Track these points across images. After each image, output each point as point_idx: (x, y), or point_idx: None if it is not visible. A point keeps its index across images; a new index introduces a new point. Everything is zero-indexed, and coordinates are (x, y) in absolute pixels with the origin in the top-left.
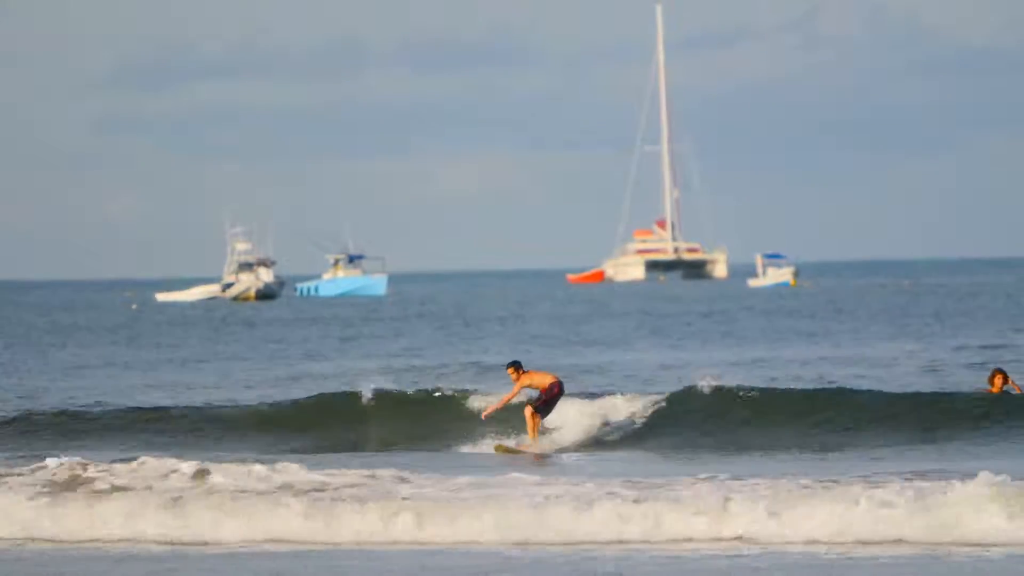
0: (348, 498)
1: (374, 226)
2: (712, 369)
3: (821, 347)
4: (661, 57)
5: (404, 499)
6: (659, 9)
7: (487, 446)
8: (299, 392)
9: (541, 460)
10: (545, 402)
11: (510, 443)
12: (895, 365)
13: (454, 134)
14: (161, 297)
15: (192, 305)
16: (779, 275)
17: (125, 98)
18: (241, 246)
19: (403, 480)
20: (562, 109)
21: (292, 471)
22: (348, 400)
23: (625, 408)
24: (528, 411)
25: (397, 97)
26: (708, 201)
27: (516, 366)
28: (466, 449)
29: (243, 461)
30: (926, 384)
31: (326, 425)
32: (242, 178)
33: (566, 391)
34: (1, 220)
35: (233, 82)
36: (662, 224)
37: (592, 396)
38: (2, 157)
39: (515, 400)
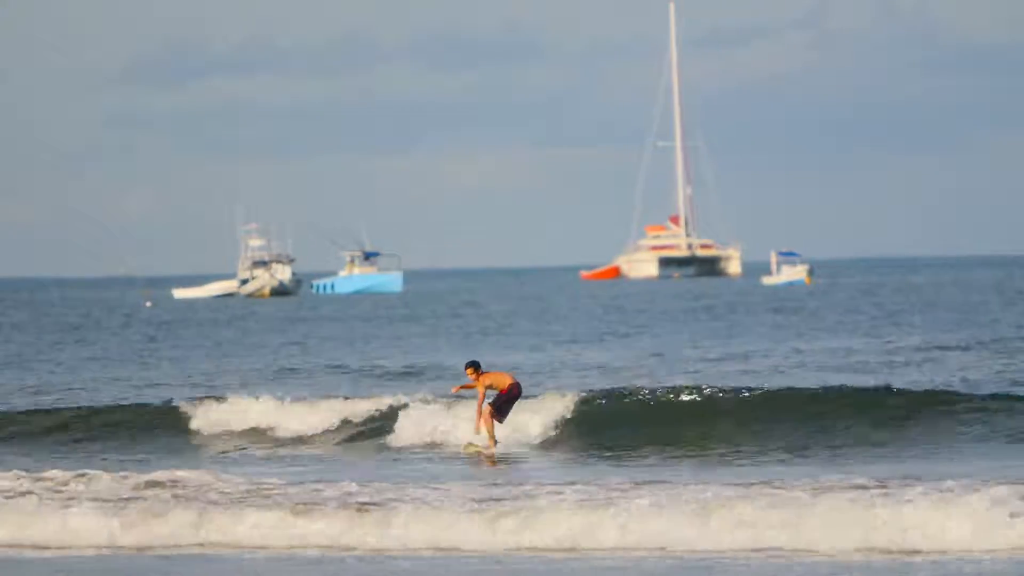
0: None
1: (384, 223)
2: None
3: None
4: (674, 54)
5: None
6: (672, 7)
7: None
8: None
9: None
10: (504, 403)
11: (479, 444)
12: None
13: (466, 131)
14: (178, 294)
15: (207, 302)
16: (793, 273)
17: (135, 95)
18: (254, 242)
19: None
20: (574, 105)
21: None
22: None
23: (562, 408)
24: (487, 412)
25: (407, 94)
26: (721, 198)
27: (475, 366)
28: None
29: None
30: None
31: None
32: (251, 174)
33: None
34: (10, 217)
35: (243, 79)
36: (675, 220)
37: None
38: (12, 153)
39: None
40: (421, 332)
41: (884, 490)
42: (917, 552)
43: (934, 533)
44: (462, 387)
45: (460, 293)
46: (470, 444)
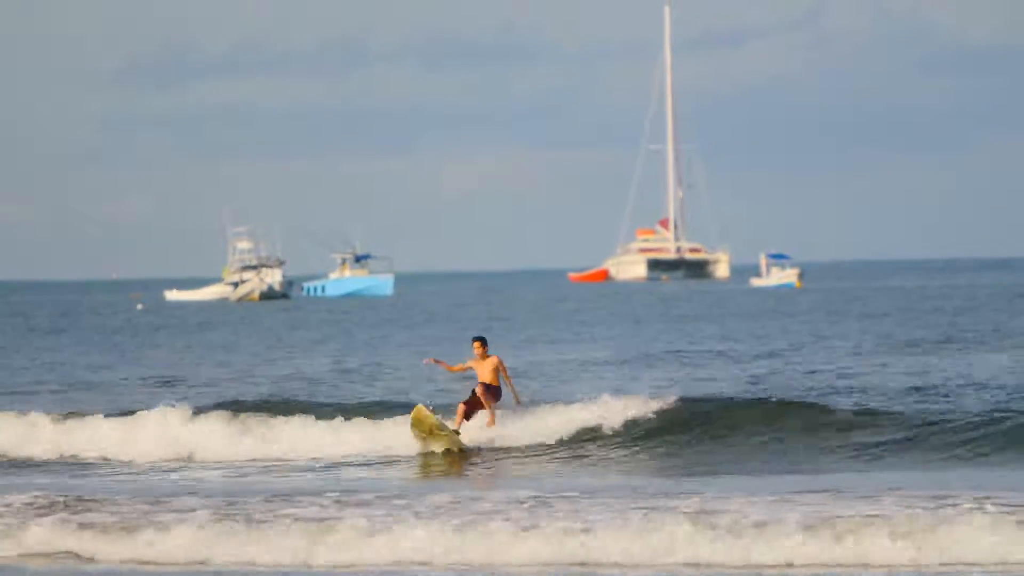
0: None
1: (378, 225)
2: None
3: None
4: (668, 57)
5: None
6: (667, 10)
7: None
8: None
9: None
10: (477, 401)
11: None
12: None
13: (459, 133)
14: (171, 296)
15: (199, 305)
16: (783, 276)
17: (131, 96)
18: (242, 245)
19: None
20: (567, 108)
21: None
22: None
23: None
24: (461, 407)
25: (402, 96)
26: (712, 201)
27: (483, 341)
28: None
29: None
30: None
31: None
32: (247, 177)
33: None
34: (5, 218)
35: (239, 81)
36: (665, 224)
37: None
38: (7, 155)
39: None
40: (369, 336)
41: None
42: None
43: None
44: (464, 367)
45: (448, 296)
46: (447, 434)
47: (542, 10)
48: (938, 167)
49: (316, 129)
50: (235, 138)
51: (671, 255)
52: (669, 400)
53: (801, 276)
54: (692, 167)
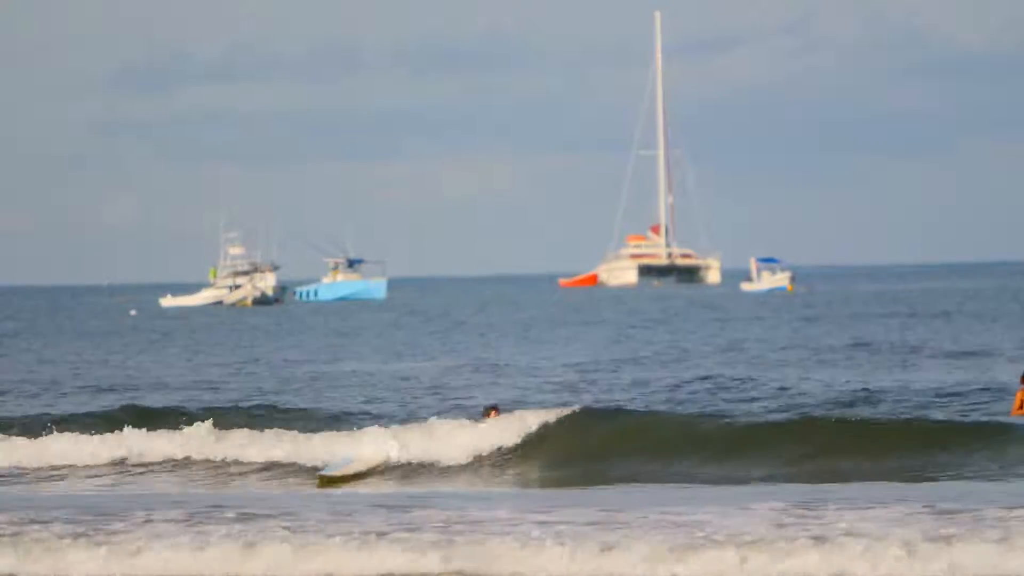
0: None
1: (370, 230)
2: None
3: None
4: (659, 63)
5: None
6: (658, 15)
7: None
8: None
9: None
10: None
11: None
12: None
13: (451, 138)
14: (165, 302)
15: (193, 311)
16: (775, 280)
17: (123, 101)
18: (234, 251)
19: None
20: (559, 113)
21: None
22: None
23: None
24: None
25: (394, 101)
26: (703, 206)
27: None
28: None
29: None
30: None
31: None
32: (239, 182)
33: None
34: None
35: (230, 86)
36: (656, 230)
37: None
38: None
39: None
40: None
41: None
42: None
43: None
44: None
45: (422, 302)
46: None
47: (533, 15)
48: (933, 171)
49: (309, 134)
50: (225, 143)
51: (662, 261)
52: (561, 413)
53: (793, 280)
54: (683, 172)
